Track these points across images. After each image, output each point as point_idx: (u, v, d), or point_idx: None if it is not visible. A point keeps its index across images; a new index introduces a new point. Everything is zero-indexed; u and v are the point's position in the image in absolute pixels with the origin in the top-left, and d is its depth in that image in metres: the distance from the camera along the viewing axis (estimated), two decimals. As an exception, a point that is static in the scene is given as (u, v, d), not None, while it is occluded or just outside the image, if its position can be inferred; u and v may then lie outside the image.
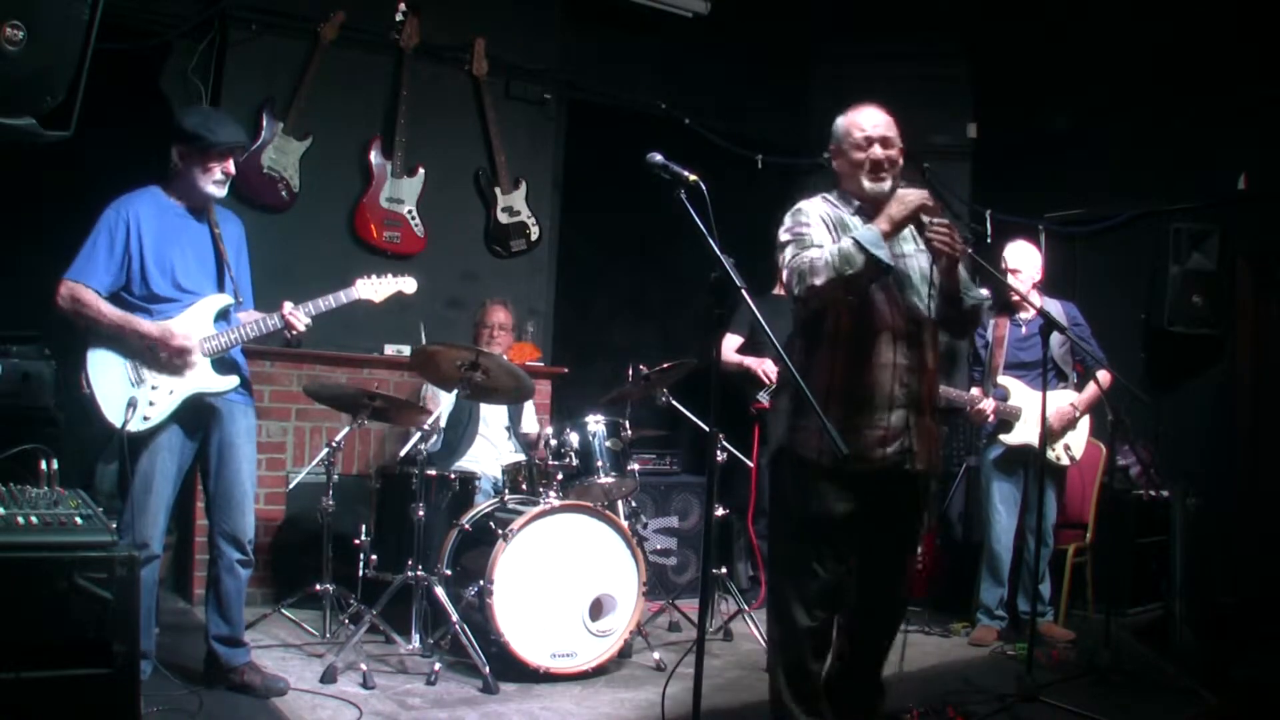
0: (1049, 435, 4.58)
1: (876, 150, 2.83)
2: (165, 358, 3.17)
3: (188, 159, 3.25)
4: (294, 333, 3.35)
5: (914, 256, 2.88)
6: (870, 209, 2.84)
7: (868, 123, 2.86)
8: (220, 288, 3.35)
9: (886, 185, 2.84)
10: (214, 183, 3.28)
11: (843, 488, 2.77)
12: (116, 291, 3.21)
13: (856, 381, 2.77)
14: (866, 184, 2.84)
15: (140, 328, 3.15)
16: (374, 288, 3.56)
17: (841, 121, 2.94)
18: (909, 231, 2.87)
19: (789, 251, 2.79)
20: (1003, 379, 4.67)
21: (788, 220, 2.87)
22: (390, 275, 3.61)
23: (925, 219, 2.76)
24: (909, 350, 2.80)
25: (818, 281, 2.66)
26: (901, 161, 2.89)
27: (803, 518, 2.82)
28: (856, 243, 2.65)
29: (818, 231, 2.81)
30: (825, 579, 2.82)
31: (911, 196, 2.73)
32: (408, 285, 3.65)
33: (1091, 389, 4.62)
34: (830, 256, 2.66)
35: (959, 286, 2.88)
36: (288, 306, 3.35)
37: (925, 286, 2.86)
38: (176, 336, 3.17)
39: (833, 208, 2.91)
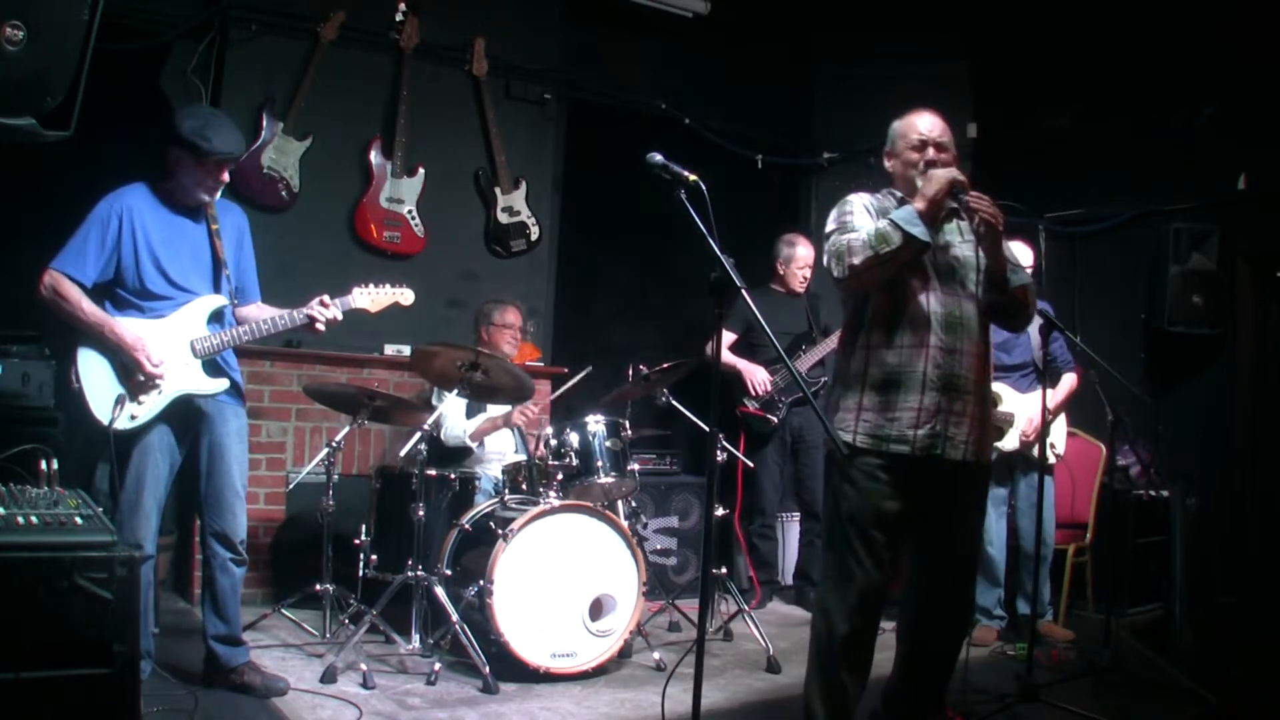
0: (1036, 437, 4.61)
1: (930, 153, 2.88)
2: (133, 367, 3.11)
3: (181, 163, 3.20)
4: (314, 332, 3.33)
5: (959, 247, 2.91)
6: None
7: (923, 126, 2.92)
8: (215, 287, 3.31)
9: None
10: (206, 189, 3.25)
11: (884, 475, 2.76)
12: (108, 287, 3.18)
13: (889, 364, 2.79)
14: (920, 184, 2.84)
15: (116, 331, 3.10)
16: (370, 297, 3.50)
17: (897, 124, 3.00)
18: (957, 224, 2.91)
19: (832, 239, 2.85)
20: (994, 386, 4.66)
21: (834, 212, 2.93)
22: (388, 286, 3.55)
23: (962, 196, 2.78)
24: (945, 334, 2.79)
25: (855, 261, 2.72)
26: (955, 167, 2.87)
27: (845, 511, 2.80)
28: (892, 221, 2.72)
29: (860, 218, 2.85)
30: (863, 581, 2.76)
31: (942, 172, 2.77)
32: (405, 297, 3.58)
33: (1063, 387, 4.64)
34: (867, 236, 2.72)
35: (1004, 267, 2.89)
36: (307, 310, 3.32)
37: (971, 274, 2.88)
38: (145, 352, 3.09)
39: (878, 199, 2.97)
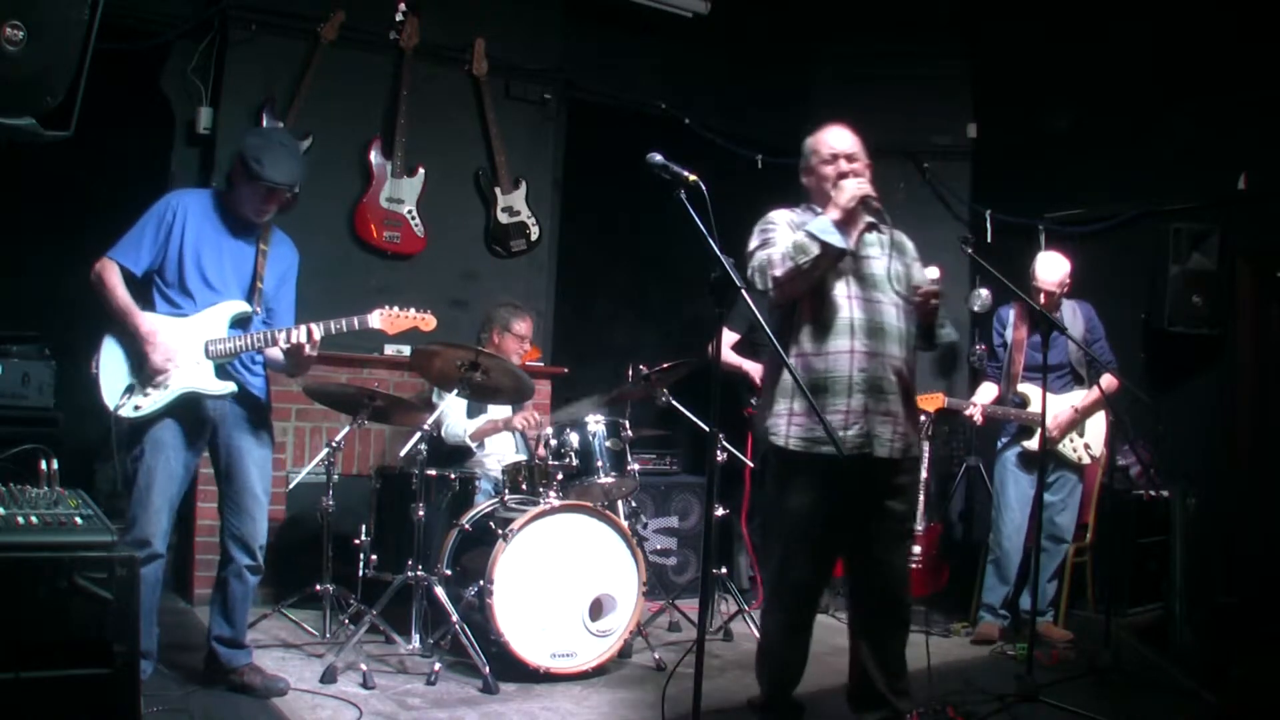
0: (1058, 439, 4.63)
1: (843, 165, 3.04)
2: (141, 357, 3.15)
3: (238, 176, 3.29)
4: (296, 346, 3.29)
5: (878, 259, 3.07)
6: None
7: (835, 140, 3.08)
8: (248, 299, 3.34)
9: None
10: (253, 210, 3.30)
11: (815, 476, 2.91)
12: (151, 274, 3.25)
13: (816, 369, 2.94)
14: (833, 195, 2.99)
15: (136, 320, 3.17)
16: (390, 320, 3.49)
17: (810, 140, 3.17)
18: (876, 237, 3.08)
19: (754, 255, 3.01)
20: (1022, 386, 4.68)
21: (756, 229, 3.08)
22: (413, 310, 3.54)
23: (874, 205, 2.99)
24: (868, 339, 2.94)
25: (777, 274, 2.88)
26: (868, 176, 3.04)
27: (779, 511, 2.98)
28: (808, 233, 2.86)
29: (782, 234, 3.00)
30: (799, 575, 2.96)
31: (853, 184, 2.92)
32: (426, 323, 3.56)
33: (1094, 392, 4.63)
34: (786, 248, 2.88)
35: (933, 326, 3.14)
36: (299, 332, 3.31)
37: (889, 284, 3.06)
38: (156, 347, 3.15)
39: (798, 215, 3.12)
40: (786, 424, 2.94)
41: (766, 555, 3.09)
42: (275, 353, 3.37)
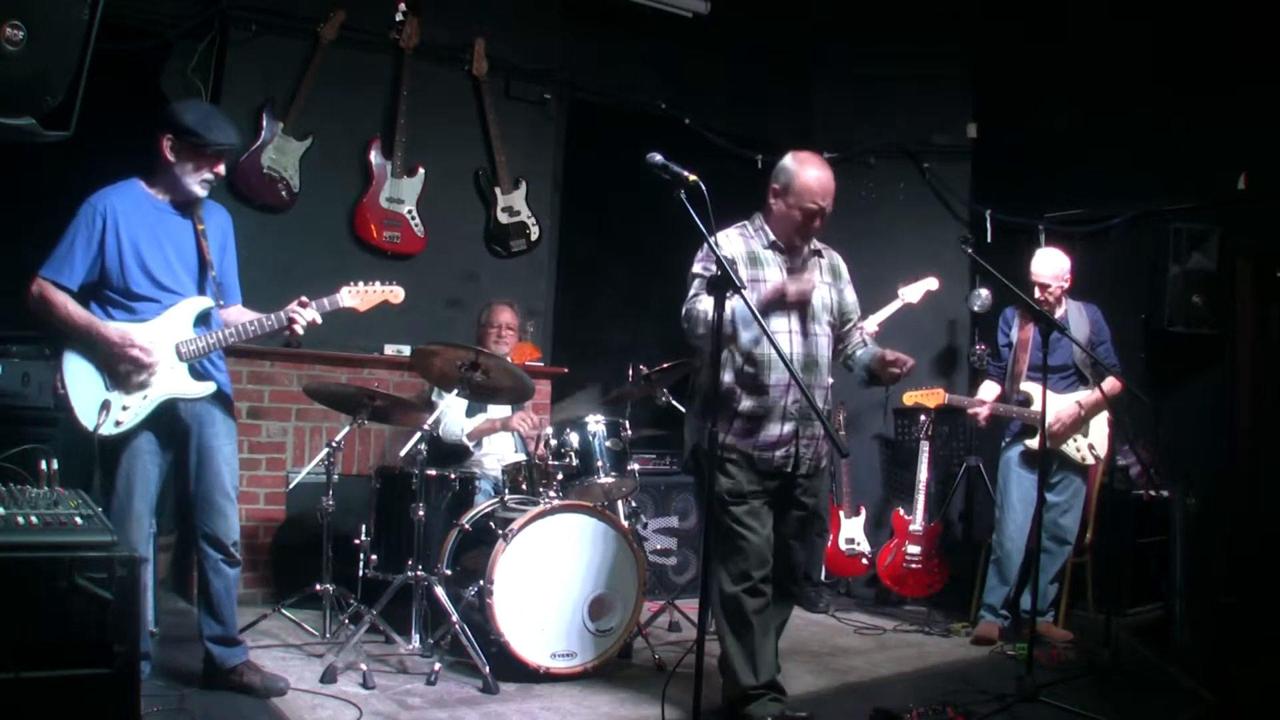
0: (1063, 435, 4.62)
1: (817, 223, 3.28)
2: (124, 366, 3.08)
3: (179, 154, 3.17)
4: (291, 333, 3.29)
5: (819, 287, 3.32)
6: (784, 244, 3.32)
7: (821, 193, 3.24)
8: (201, 289, 3.27)
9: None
10: (201, 182, 3.21)
11: (748, 467, 3.24)
12: (94, 288, 3.14)
13: (755, 397, 3.24)
14: (799, 240, 3.30)
15: (103, 331, 3.07)
16: (359, 296, 3.44)
17: (795, 169, 3.27)
18: (819, 263, 3.37)
19: (693, 287, 3.27)
20: (1025, 385, 4.68)
21: (701, 252, 3.29)
22: (378, 284, 3.49)
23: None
24: (804, 374, 3.24)
25: (700, 331, 3.15)
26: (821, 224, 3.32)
27: (726, 492, 3.22)
28: (734, 312, 3.05)
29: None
30: (748, 545, 3.20)
31: (793, 291, 3.17)
32: (394, 295, 3.51)
33: (1096, 392, 4.62)
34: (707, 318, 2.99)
35: (884, 382, 3.50)
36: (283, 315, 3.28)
37: (825, 315, 3.33)
38: (135, 345, 3.07)
39: (747, 240, 3.34)
40: (726, 434, 3.21)
41: (720, 542, 3.23)
42: (236, 314, 3.35)
